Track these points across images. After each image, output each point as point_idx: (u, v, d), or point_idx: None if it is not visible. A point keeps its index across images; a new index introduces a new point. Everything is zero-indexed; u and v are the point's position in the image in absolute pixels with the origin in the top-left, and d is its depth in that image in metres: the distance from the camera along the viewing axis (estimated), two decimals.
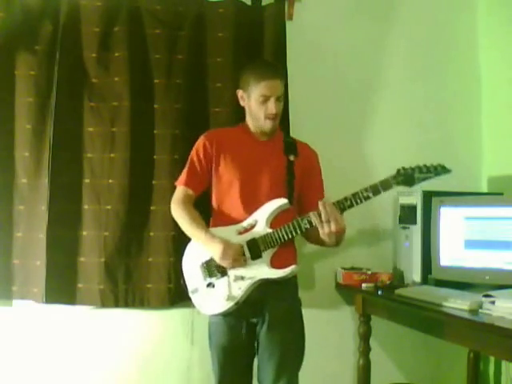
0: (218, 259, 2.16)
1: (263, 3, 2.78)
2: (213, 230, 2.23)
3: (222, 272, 2.19)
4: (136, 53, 2.64)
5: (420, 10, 2.98)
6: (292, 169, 2.27)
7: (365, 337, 2.69)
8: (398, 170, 2.14)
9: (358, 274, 2.70)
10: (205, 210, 2.33)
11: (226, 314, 2.20)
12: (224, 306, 2.18)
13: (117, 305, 2.60)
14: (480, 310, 2.04)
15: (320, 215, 2.07)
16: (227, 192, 2.26)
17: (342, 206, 2.11)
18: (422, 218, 2.60)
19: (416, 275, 2.60)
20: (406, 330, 2.62)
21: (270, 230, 2.17)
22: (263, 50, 2.72)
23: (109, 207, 2.60)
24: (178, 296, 2.56)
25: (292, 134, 2.60)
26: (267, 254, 2.17)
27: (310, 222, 2.11)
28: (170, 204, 2.34)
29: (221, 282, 2.19)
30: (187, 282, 2.29)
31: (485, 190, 2.95)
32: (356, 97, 2.91)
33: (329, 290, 2.84)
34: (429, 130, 2.96)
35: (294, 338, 2.24)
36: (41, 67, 2.60)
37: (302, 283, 2.35)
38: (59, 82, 2.58)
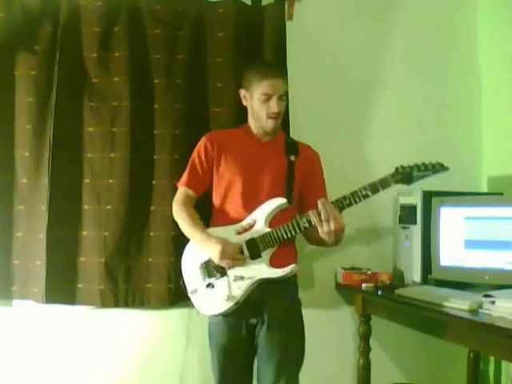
0: (216, 259, 2.16)
1: (263, 3, 2.78)
2: (212, 230, 2.24)
3: (222, 272, 2.19)
4: (136, 53, 2.64)
5: (420, 9, 2.98)
6: (292, 169, 2.28)
7: (365, 337, 2.69)
8: (397, 169, 2.14)
9: (358, 273, 2.70)
10: (205, 211, 2.33)
11: (225, 315, 2.20)
12: (224, 306, 2.18)
13: (117, 305, 2.60)
14: (480, 310, 2.03)
15: (319, 214, 2.08)
16: (228, 192, 2.26)
17: (341, 204, 2.11)
18: (421, 217, 2.60)
19: (416, 275, 2.60)
20: (406, 330, 2.62)
21: (268, 230, 2.17)
22: (263, 49, 2.73)
23: (109, 207, 2.61)
24: (178, 296, 2.56)
25: (292, 134, 2.60)
26: (267, 254, 2.17)
27: (310, 221, 2.12)
28: (170, 204, 2.35)
29: (220, 283, 2.19)
30: (186, 283, 2.29)
31: (485, 190, 2.95)
32: (356, 97, 2.91)
33: (329, 290, 2.84)
34: (429, 130, 2.96)
35: (293, 339, 2.23)
36: (41, 67, 2.60)
37: (301, 283, 2.35)
38: (59, 82, 2.58)
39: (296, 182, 2.27)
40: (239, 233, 2.20)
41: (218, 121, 2.67)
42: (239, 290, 2.16)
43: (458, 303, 2.10)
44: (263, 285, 2.17)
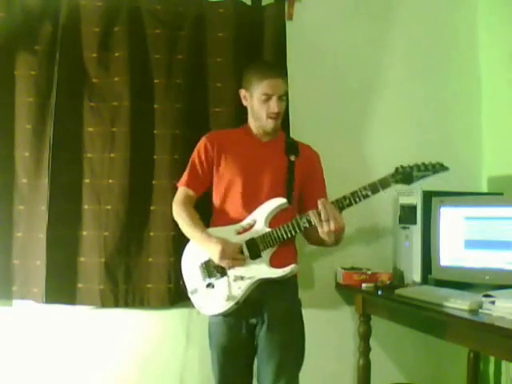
0: (216, 259, 2.16)
1: (263, 3, 2.78)
2: (212, 230, 2.24)
3: (222, 272, 2.19)
4: (136, 53, 2.64)
5: (420, 9, 2.98)
6: (292, 169, 2.28)
7: (365, 337, 2.69)
8: (397, 169, 2.14)
9: (358, 273, 2.70)
10: (205, 211, 2.33)
11: (225, 315, 2.20)
12: (224, 306, 2.18)
13: (117, 305, 2.60)
14: (480, 310, 2.03)
15: (319, 214, 2.08)
16: (228, 192, 2.26)
17: (341, 204, 2.11)
18: (421, 217, 2.60)
19: (416, 275, 2.60)
20: (406, 330, 2.62)
21: (268, 230, 2.17)
22: (263, 49, 2.73)
23: (109, 207, 2.60)
24: (178, 296, 2.56)
25: (292, 134, 2.60)
26: (267, 254, 2.17)
27: (310, 221, 2.12)
28: (170, 204, 2.35)
29: (220, 283, 2.19)
30: (186, 283, 2.29)
31: (485, 190, 2.95)
32: (356, 97, 2.91)
33: (329, 290, 2.84)
34: (429, 129, 2.96)
35: (293, 339, 2.23)
36: (41, 67, 2.60)
37: (301, 283, 2.35)
38: (59, 82, 2.58)
39: (296, 182, 2.27)
40: (239, 233, 2.20)
41: (217, 121, 2.67)
42: (239, 289, 2.16)
43: (458, 303, 2.10)
44: (263, 285, 2.17)
